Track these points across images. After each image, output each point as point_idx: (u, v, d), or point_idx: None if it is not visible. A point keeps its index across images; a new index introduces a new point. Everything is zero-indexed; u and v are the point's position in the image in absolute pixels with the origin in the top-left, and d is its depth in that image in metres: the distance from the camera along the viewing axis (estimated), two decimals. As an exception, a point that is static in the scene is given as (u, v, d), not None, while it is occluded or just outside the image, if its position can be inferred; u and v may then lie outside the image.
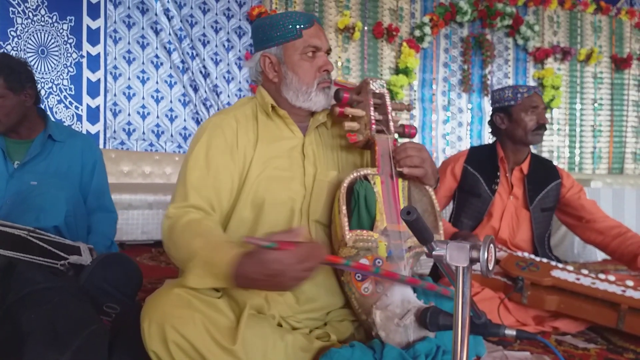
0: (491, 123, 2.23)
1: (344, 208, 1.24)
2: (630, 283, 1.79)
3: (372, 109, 1.38)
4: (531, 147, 2.23)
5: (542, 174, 2.20)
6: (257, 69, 1.42)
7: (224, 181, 1.31)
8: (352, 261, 1.18)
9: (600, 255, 3.56)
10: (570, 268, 1.89)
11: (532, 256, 1.98)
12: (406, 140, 1.42)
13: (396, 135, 1.41)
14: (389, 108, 1.42)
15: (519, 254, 2.00)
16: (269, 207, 1.32)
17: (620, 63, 6.18)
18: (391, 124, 1.39)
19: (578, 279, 1.82)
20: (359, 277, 1.25)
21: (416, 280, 1.24)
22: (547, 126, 2.18)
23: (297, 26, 1.34)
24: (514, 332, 1.05)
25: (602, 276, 1.84)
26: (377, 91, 1.42)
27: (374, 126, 1.35)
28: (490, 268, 0.85)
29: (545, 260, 1.96)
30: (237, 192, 1.34)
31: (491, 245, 0.85)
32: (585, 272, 1.86)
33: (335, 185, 1.36)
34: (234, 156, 1.33)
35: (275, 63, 1.37)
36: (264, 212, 1.32)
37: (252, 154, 1.34)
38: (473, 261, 0.83)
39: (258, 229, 1.32)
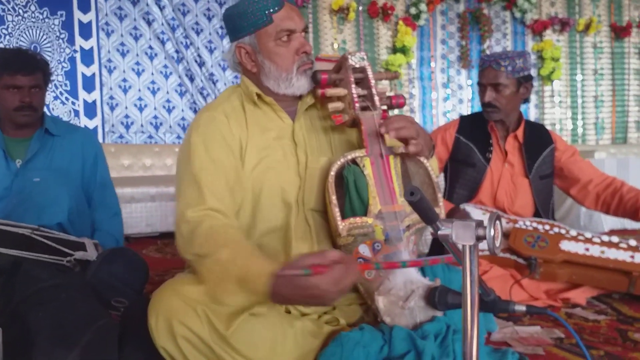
0: None
1: (333, 198, 1.21)
2: (633, 243, 1.88)
3: (353, 86, 1.31)
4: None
5: (537, 141, 2.18)
6: (234, 60, 1.37)
7: (232, 178, 1.27)
8: (381, 263, 1.16)
9: (606, 226, 3.57)
10: (574, 233, 1.93)
11: (535, 224, 1.98)
12: (396, 112, 1.36)
13: (385, 107, 1.35)
14: (372, 81, 1.34)
15: (521, 222, 2.00)
16: (266, 199, 1.30)
17: (619, 31, 6.10)
18: (376, 98, 1.32)
19: (587, 250, 1.86)
20: (360, 261, 1.23)
21: (418, 262, 1.19)
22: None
23: (266, 11, 1.27)
24: (523, 308, 1.04)
25: (605, 238, 1.90)
26: (357, 65, 1.34)
27: (357, 104, 1.29)
28: (497, 245, 0.84)
29: (548, 227, 1.96)
30: (242, 184, 1.30)
31: (497, 222, 0.84)
32: (588, 235, 1.92)
33: (327, 171, 1.30)
34: (232, 149, 1.29)
35: (251, 53, 1.32)
36: (261, 204, 1.30)
37: (245, 146, 1.31)
38: (479, 239, 0.82)
39: (256, 221, 1.30)
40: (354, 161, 1.27)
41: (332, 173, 1.23)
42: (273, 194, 1.30)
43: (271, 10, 1.28)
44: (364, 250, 1.23)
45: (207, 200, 1.21)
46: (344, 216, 1.22)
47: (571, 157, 2.19)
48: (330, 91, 1.33)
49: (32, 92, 1.85)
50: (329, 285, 1.01)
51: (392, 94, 1.26)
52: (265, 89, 1.35)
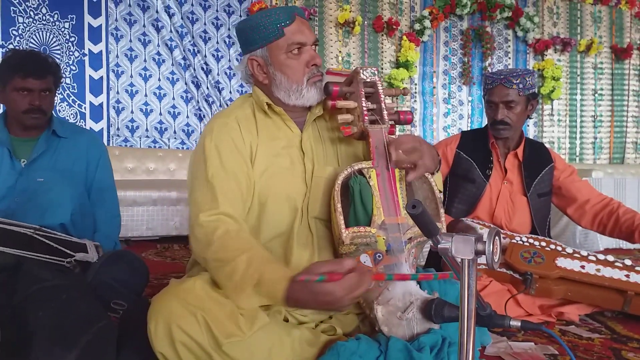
0: None
1: (339, 206, 1.23)
2: (629, 262, 1.89)
3: (363, 99, 1.34)
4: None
5: (537, 159, 2.20)
6: (246, 72, 1.41)
7: (243, 184, 1.30)
8: (393, 275, 1.17)
9: (602, 245, 3.58)
10: (570, 250, 1.94)
11: (531, 240, 1.99)
12: (404, 127, 1.39)
13: (392, 122, 1.37)
14: (382, 96, 1.37)
15: (517, 238, 2.02)
16: (272, 205, 1.32)
17: (620, 53, 6.16)
18: (385, 112, 1.34)
19: (583, 267, 1.87)
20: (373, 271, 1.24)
21: (428, 275, 1.21)
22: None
23: (278, 25, 1.30)
24: (518, 323, 1.05)
25: (601, 257, 1.92)
26: (369, 80, 1.37)
27: (366, 117, 1.32)
28: (496, 260, 0.85)
29: (544, 244, 1.98)
30: (252, 189, 1.33)
31: (496, 237, 0.85)
32: (584, 253, 1.94)
33: (332, 181, 1.34)
34: (245, 157, 1.32)
35: (262, 65, 1.36)
36: (267, 210, 1.32)
37: (255, 152, 1.34)
38: (478, 253, 0.84)
39: (262, 226, 1.32)
40: (360, 172, 1.29)
41: (339, 182, 1.26)
42: (279, 200, 1.32)
43: (283, 24, 1.31)
44: (365, 259, 1.24)
45: (220, 205, 1.24)
46: (347, 225, 1.24)
47: (569, 177, 2.21)
48: (341, 103, 1.35)
49: (42, 96, 1.86)
50: (343, 292, 1.05)
51: (400, 109, 1.27)
52: (275, 99, 1.38)
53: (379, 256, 1.24)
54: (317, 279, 1.05)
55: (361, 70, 1.38)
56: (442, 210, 1.32)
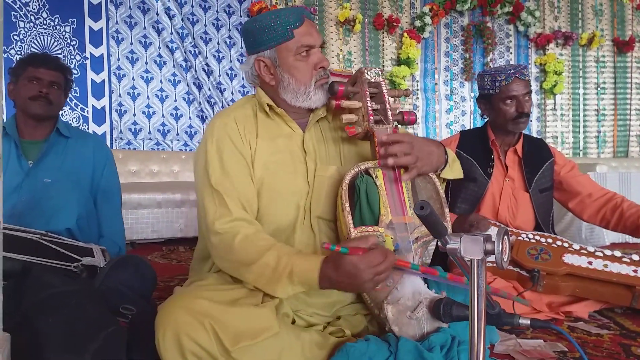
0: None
1: (347, 205, 1.23)
2: (636, 257, 1.89)
3: (368, 99, 1.34)
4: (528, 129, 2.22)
5: (537, 155, 2.19)
6: (252, 72, 1.40)
7: (249, 185, 1.31)
8: (420, 265, 1.19)
9: (608, 239, 3.57)
10: (577, 247, 1.94)
11: (537, 237, 1.99)
12: (407, 127, 1.39)
13: (396, 123, 1.38)
14: (386, 96, 1.37)
15: (523, 235, 2.01)
16: (274, 205, 1.33)
17: (622, 46, 6.13)
18: (389, 112, 1.35)
19: (590, 263, 1.87)
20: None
21: (458, 279, 1.23)
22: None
23: (288, 27, 1.30)
24: (527, 322, 1.06)
25: (608, 252, 1.91)
26: (373, 80, 1.37)
27: (371, 117, 1.32)
28: (505, 259, 0.85)
29: (551, 240, 1.97)
30: (256, 188, 1.34)
31: (505, 236, 0.85)
32: (591, 249, 1.93)
33: (335, 180, 1.35)
34: (245, 157, 1.33)
35: (270, 66, 1.35)
36: (269, 209, 1.33)
37: (255, 151, 1.34)
38: (487, 253, 0.83)
39: (263, 225, 1.33)
40: (367, 171, 1.30)
41: (347, 181, 1.26)
42: (281, 198, 1.33)
43: (292, 26, 1.31)
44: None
45: (232, 211, 1.26)
46: (354, 224, 1.24)
47: (570, 172, 2.21)
48: (346, 103, 1.35)
49: (51, 88, 1.91)
50: (365, 266, 1.10)
51: (403, 109, 1.27)
52: (281, 100, 1.39)
53: None
54: (341, 250, 1.10)
55: (365, 71, 1.38)
56: (446, 210, 1.32)
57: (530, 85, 2.10)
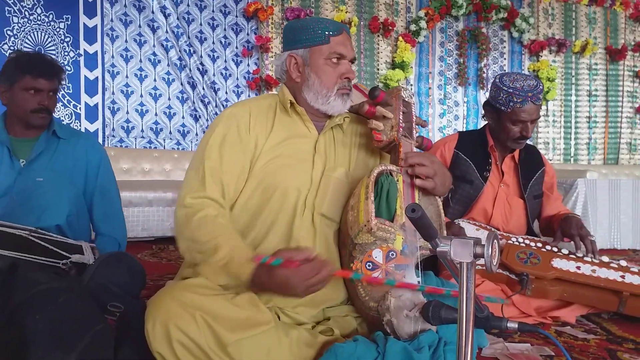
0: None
1: (372, 195, 1.27)
2: (624, 263, 1.92)
3: (400, 113, 1.42)
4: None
5: (531, 162, 2.23)
6: (282, 67, 1.47)
7: (235, 172, 1.36)
8: (362, 274, 1.24)
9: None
10: (565, 251, 1.96)
11: (527, 241, 2.01)
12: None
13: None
14: (414, 117, 1.48)
15: (513, 239, 2.03)
16: (274, 196, 1.36)
17: (614, 54, 6.20)
18: (414, 131, 1.46)
19: (579, 268, 1.89)
20: (369, 266, 1.28)
21: (438, 289, 1.29)
22: (543, 118, 2.21)
23: (326, 32, 1.39)
24: (515, 325, 1.06)
25: (596, 259, 1.95)
26: (407, 100, 1.47)
27: (401, 129, 1.40)
28: (495, 263, 0.86)
29: (540, 245, 1.99)
30: (244, 181, 1.38)
31: (495, 241, 0.86)
32: (580, 254, 1.96)
33: (342, 182, 1.40)
34: (245, 147, 1.37)
35: (300, 64, 1.42)
36: (269, 201, 1.36)
37: (264, 143, 1.39)
38: (477, 257, 0.84)
39: (261, 216, 1.36)
40: (390, 173, 1.36)
41: (375, 174, 1.31)
42: (281, 191, 1.36)
43: (331, 33, 1.40)
44: (377, 255, 1.28)
45: (207, 188, 1.31)
46: None
47: (551, 183, 2.27)
48: (381, 109, 1.43)
49: (50, 96, 1.90)
50: (296, 280, 1.13)
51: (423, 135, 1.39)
52: (301, 99, 1.45)
53: (392, 254, 1.28)
54: (274, 262, 1.12)
55: (402, 89, 1.47)
56: (444, 233, 1.39)
57: (541, 109, 2.11)
